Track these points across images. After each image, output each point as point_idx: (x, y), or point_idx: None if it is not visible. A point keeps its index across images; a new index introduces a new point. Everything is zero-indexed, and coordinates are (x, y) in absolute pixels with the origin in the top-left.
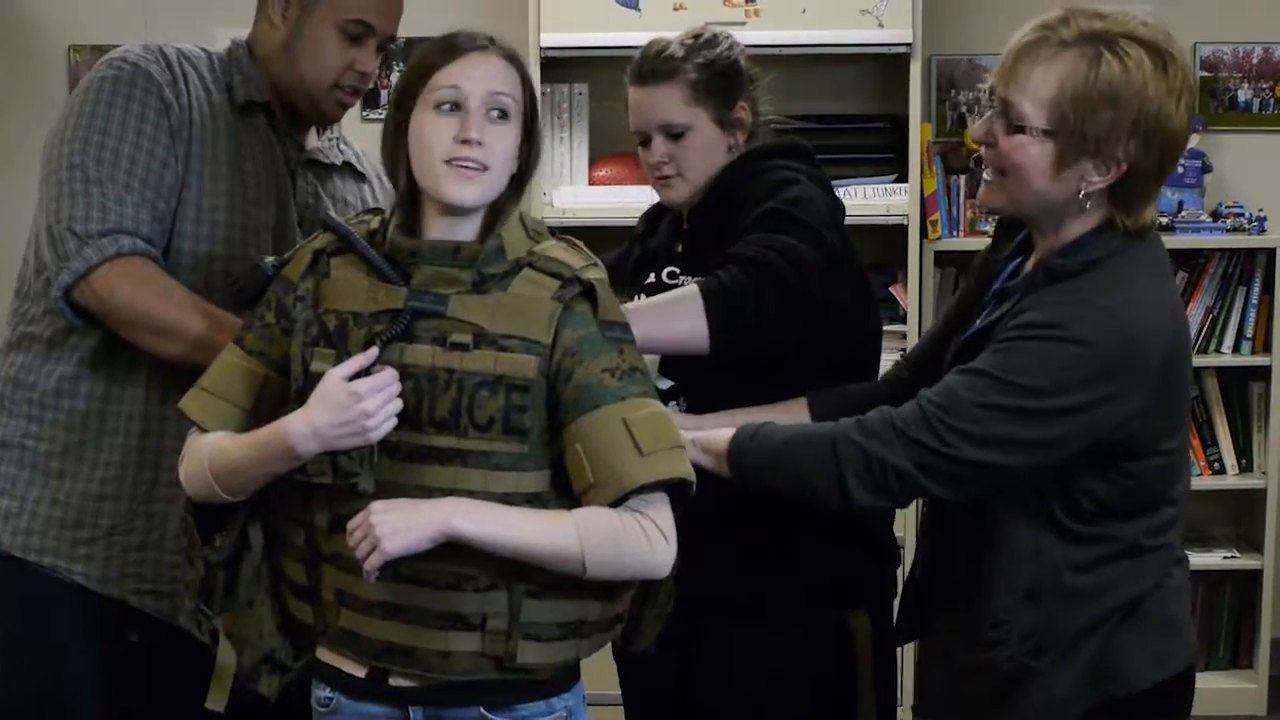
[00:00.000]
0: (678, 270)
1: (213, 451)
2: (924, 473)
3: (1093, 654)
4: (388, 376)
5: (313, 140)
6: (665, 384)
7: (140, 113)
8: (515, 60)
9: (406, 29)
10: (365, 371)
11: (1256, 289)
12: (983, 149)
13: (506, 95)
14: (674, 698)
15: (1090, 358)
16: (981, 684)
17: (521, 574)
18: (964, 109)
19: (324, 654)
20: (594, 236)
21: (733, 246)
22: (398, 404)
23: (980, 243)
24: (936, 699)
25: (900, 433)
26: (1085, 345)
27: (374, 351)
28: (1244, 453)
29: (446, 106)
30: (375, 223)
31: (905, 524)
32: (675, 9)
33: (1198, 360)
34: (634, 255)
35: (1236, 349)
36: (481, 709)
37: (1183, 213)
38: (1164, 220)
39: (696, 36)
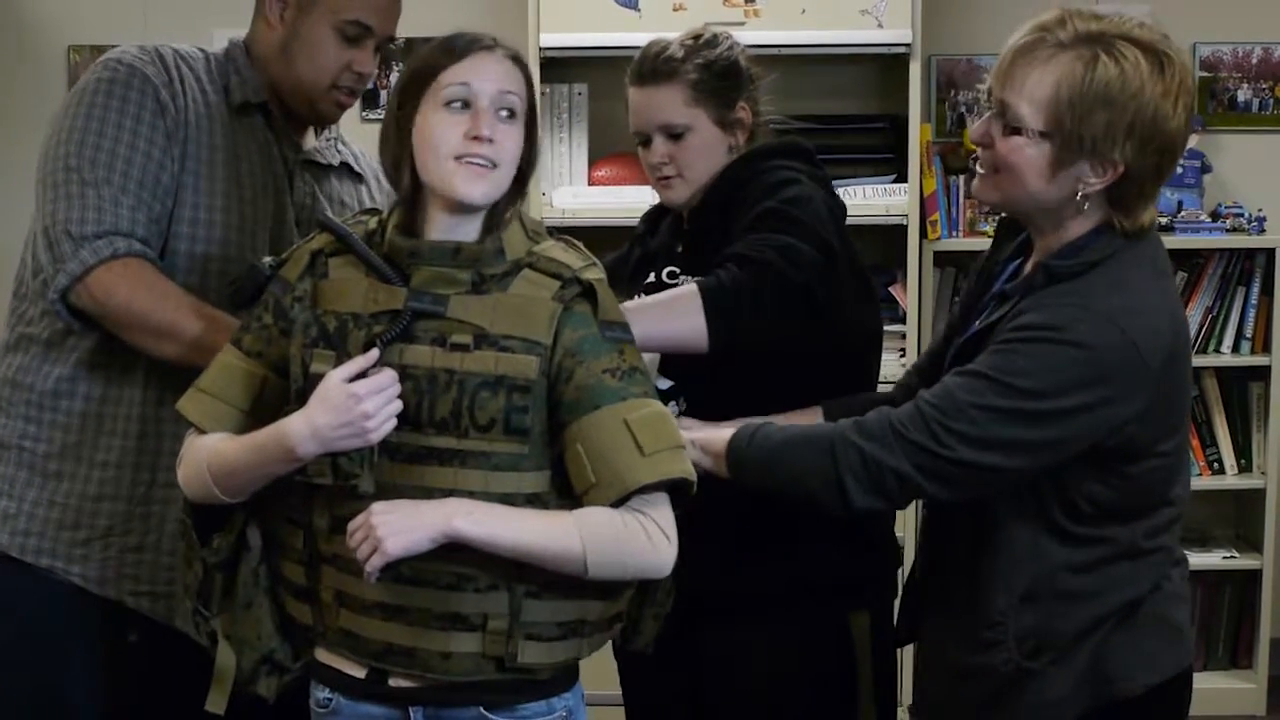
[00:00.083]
0: (678, 270)
1: (211, 453)
2: (922, 474)
3: (1089, 656)
4: (387, 378)
5: (310, 140)
6: (665, 384)
7: (136, 114)
8: (520, 61)
9: (406, 29)
10: (364, 373)
11: (1256, 289)
12: (980, 150)
13: (514, 94)
14: (676, 698)
15: (1088, 360)
16: (978, 685)
17: (522, 574)
18: (964, 109)
19: (323, 655)
20: (593, 237)
21: (732, 246)
22: (398, 405)
23: (980, 243)
24: (933, 700)
25: (898, 434)
26: (1083, 347)
27: (375, 353)
28: (1243, 453)
29: (457, 104)
30: (373, 223)
31: (905, 524)
32: (675, 9)
33: (1197, 360)
34: (634, 256)
35: (1236, 349)
36: (482, 709)
37: (1182, 213)
38: (1163, 220)
39: (697, 37)
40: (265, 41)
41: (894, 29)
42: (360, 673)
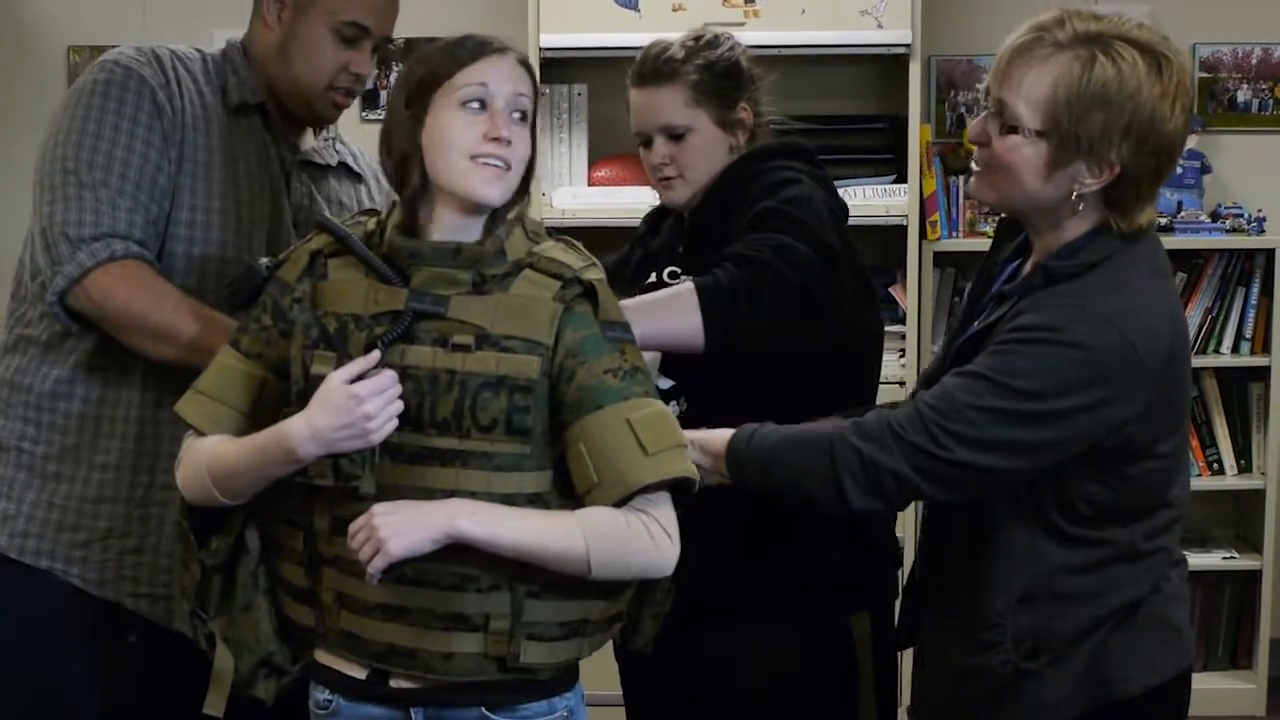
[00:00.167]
0: (679, 270)
1: (210, 455)
2: (920, 476)
3: (1087, 658)
4: (388, 379)
5: (308, 141)
6: (666, 384)
7: (133, 116)
8: (528, 65)
9: (406, 29)
10: (364, 374)
11: (1255, 290)
12: (976, 148)
13: (526, 97)
14: (675, 698)
15: (1086, 361)
16: (976, 687)
17: (524, 574)
18: (963, 110)
19: (323, 656)
20: (593, 237)
21: (731, 245)
22: (399, 406)
23: (980, 244)
24: (931, 701)
25: (897, 436)
26: (1082, 348)
27: (376, 355)
28: (1243, 453)
29: (474, 105)
30: (371, 224)
31: (906, 526)
32: (674, 10)
33: (1197, 361)
34: (635, 257)
35: (1235, 350)
36: (483, 709)
37: (1182, 213)
38: (1163, 221)
39: (698, 38)
40: (263, 42)
41: (894, 29)
42: (361, 674)
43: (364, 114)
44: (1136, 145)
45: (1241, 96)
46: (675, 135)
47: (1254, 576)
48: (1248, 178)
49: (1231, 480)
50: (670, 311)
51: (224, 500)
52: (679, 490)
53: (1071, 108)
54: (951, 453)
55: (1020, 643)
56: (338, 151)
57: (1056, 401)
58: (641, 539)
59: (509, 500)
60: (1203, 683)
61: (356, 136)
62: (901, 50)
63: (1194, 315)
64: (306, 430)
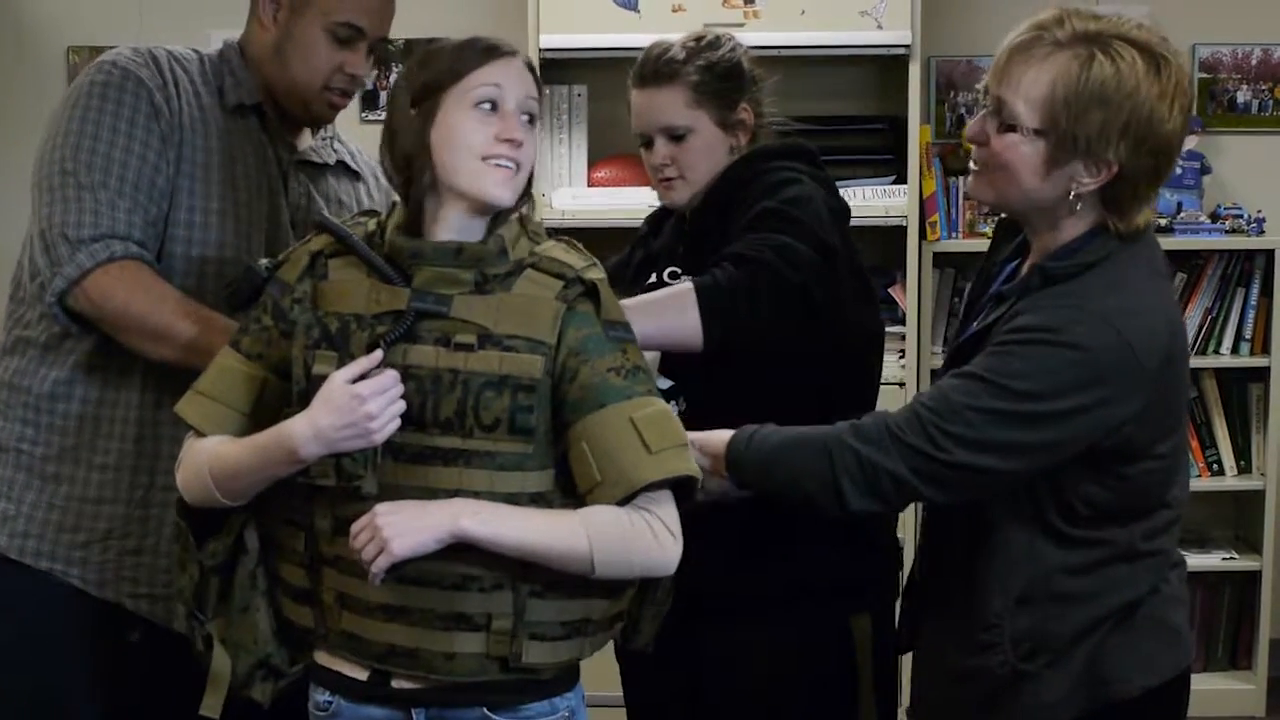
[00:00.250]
0: (679, 271)
1: (212, 456)
2: (918, 477)
3: (1086, 659)
4: (390, 378)
5: (306, 140)
6: (665, 383)
7: (130, 117)
8: (534, 68)
9: (406, 30)
10: (366, 375)
11: (1255, 290)
12: (975, 148)
13: (535, 100)
14: (676, 698)
15: (1084, 361)
16: (974, 688)
17: (526, 574)
18: (963, 110)
19: (323, 658)
20: (593, 238)
21: (731, 245)
22: (401, 405)
23: (979, 244)
24: (930, 702)
25: (895, 437)
26: (1079, 349)
27: (378, 355)
28: (1243, 454)
29: (486, 106)
30: (372, 225)
31: (906, 527)
32: (674, 10)
33: (1196, 362)
34: (636, 258)
35: (1235, 350)
36: (485, 710)
37: (1181, 214)
38: (1163, 221)
39: (699, 39)
40: (259, 43)
41: (893, 30)
42: (362, 675)
43: (364, 114)
44: (1134, 145)
45: (1241, 97)
46: (676, 136)
47: (1254, 577)
48: (1247, 178)
49: (1231, 481)
50: (669, 311)
51: (225, 501)
52: (681, 489)
53: (1070, 106)
54: (949, 454)
55: (1018, 644)
56: (335, 150)
57: (1054, 402)
58: (645, 538)
59: (512, 500)
60: (1202, 683)
61: (356, 137)
62: (901, 51)
63: (1194, 316)
64: (309, 430)
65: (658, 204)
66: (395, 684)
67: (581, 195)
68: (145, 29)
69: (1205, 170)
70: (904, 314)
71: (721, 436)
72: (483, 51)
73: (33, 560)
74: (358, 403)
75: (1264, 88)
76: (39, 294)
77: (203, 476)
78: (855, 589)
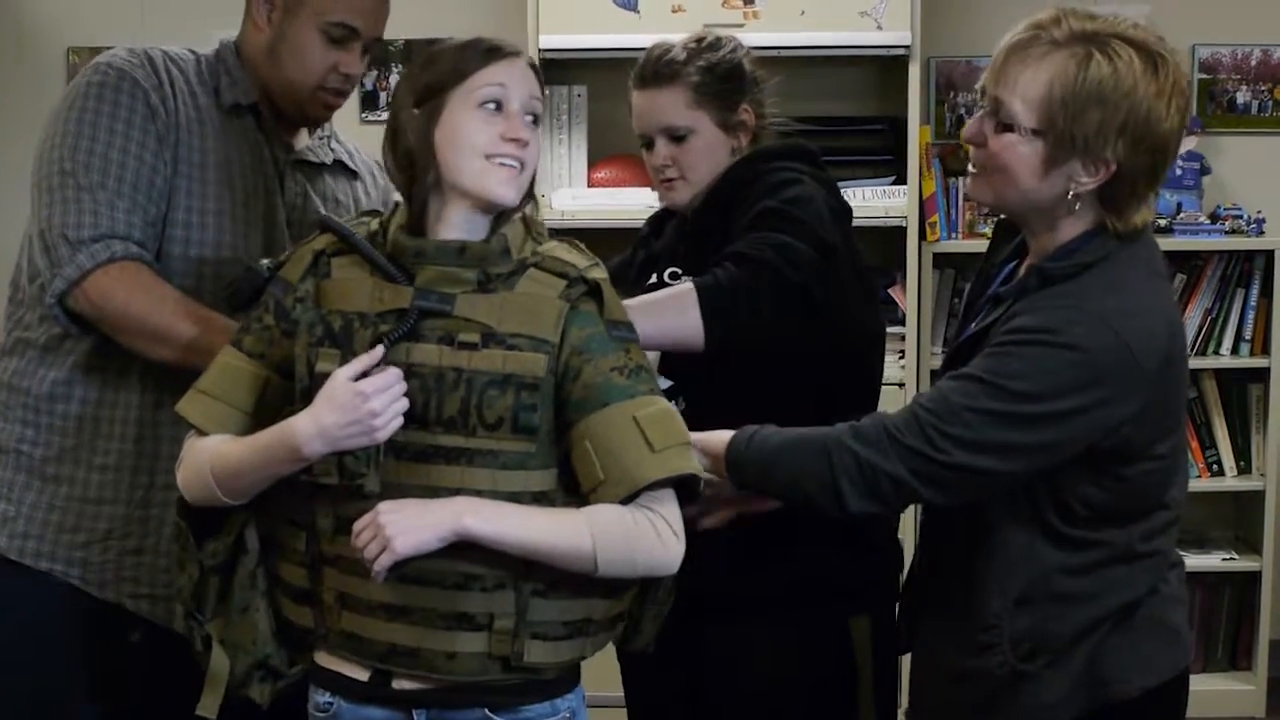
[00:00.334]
0: (680, 271)
1: (213, 455)
2: (917, 479)
3: (1085, 659)
4: (393, 376)
5: (302, 140)
6: (665, 383)
7: (127, 118)
8: (537, 69)
9: (407, 30)
10: (369, 372)
11: (1255, 291)
12: (972, 149)
13: (538, 100)
14: (677, 699)
15: (1082, 362)
16: (973, 688)
17: (529, 573)
18: (963, 111)
19: (323, 658)
20: (593, 238)
21: (732, 245)
22: (404, 403)
23: (979, 245)
24: (929, 703)
25: (894, 439)
26: (1078, 350)
27: (379, 350)
28: (1242, 455)
29: (491, 105)
30: (374, 224)
31: (906, 528)
32: (674, 11)
33: (1196, 362)
34: (638, 258)
35: (1235, 351)
36: (486, 711)
37: (1181, 215)
38: (1163, 222)
39: (700, 40)
40: (253, 43)
41: (893, 30)
42: (363, 675)
43: (363, 115)
44: (1132, 144)
45: (1241, 98)
46: (677, 137)
47: (1253, 578)
48: (1247, 179)
49: (1231, 481)
50: (670, 311)
51: (226, 500)
52: (683, 488)
53: (1067, 106)
54: (948, 455)
55: (1018, 644)
56: (333, 150)
57: (1053, 403)
58: (648, 536)
59: (514, 498)
60: (1202, 684)
61: (356, 138)
62: (901, 51)
63: (1193, 317)
64: (312, 428)
65: (658, 205)
66: (396, 684)
67: (581, 195)
68: (146, 29)
69: (1205, 171)
70: (904, 315)
71: (722, 437)
72: (487, 52)
73: (33, 561)
74: (361, 400)
75: (1263, 88)
76: (38, 295)
77: (204, 475)
78: (855, 590)
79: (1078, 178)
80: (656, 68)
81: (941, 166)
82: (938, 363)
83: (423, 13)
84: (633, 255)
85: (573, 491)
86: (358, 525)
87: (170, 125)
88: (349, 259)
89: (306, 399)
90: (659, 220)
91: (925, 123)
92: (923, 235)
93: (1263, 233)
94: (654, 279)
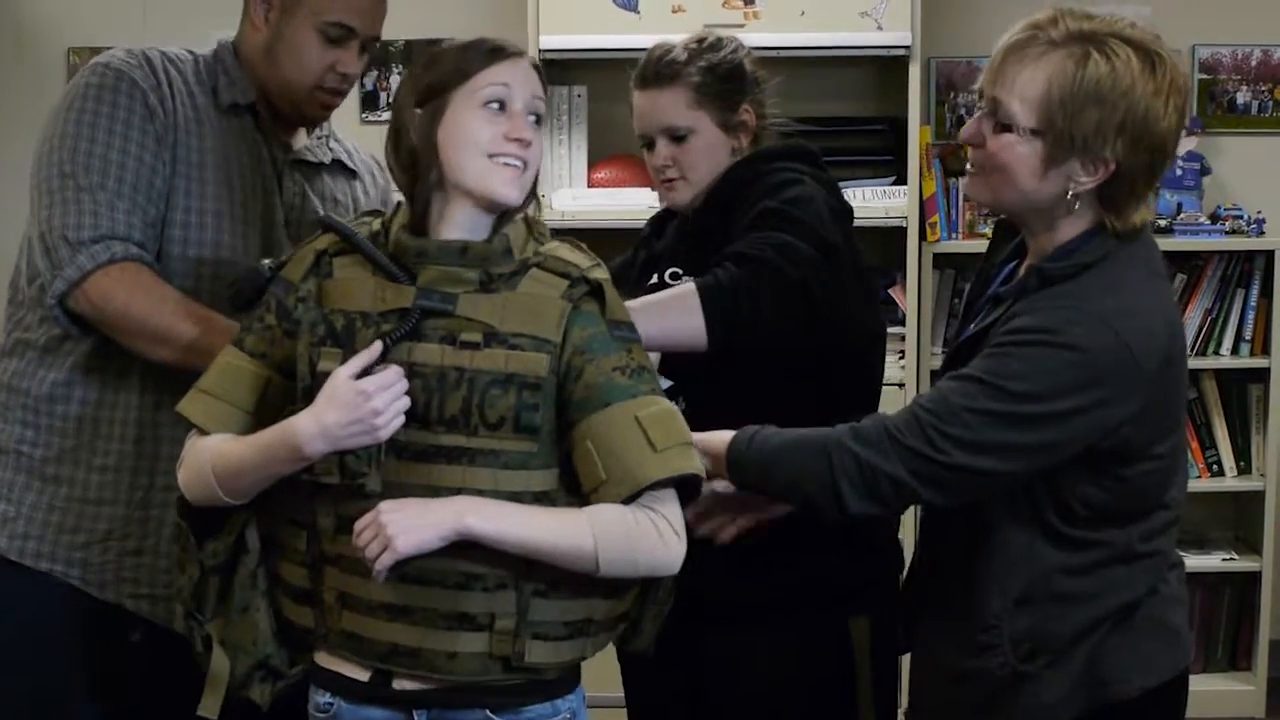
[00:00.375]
0: (680, 271)
1: (215, 455)
2: (917, 480)
3: (1085, 659)
4: (394, 374)
5: (301, 140)
6: (665, 383)
7: (126, 119)
8: (540, 70)
9: (407, 30)
10: (370, 371)
11: (1255, 291)
12: (971, 150)
13: (541, 100)
14: (677, 699)
15: (1082, 362)
16: (973, 689)
17: (530, 573)
18: (963, 111)
19: (323, 659)
20: (593, 239)
21: (732, 245)
22: (406, 401)
23: (979, 245)
24: (928, 704)
25: (894, 440)
26: (1077, 350)
27: (377, 346)
28: (1242, 455)
29: (495, 105)
30: (376, 224)
31: (906, 529)
32: (674, 11)
33: (1196, 363)
34: (640, 259)
35: (1235, 351)
36: (487, 711)
37: (1181, 215)
38: (1163, 222)
39: (700, 40)
40: (251, 43)
41: (893, 31)
42: (364, 675)
43: (363, 115)
44: (1131, 142)
45: (1241, 98)
46: (677, 137)
47: (1253, 578)
48: (1247, 179)
49: (1231, 482)
50: (672, 312)
51: (227, 500)
52: (684, 488)
53: (1065, 105)
54: (948, 456)
55: (1018, 644)
56: (331, 149)
57: (1052, 403)
58: (650, 536)
59: (516, 498)
60: (1202, 684)
61: (355, 138)
62: (901, 52)
63: (1193, 317)
64: (314, 427)
65: (658, 205)
66: (397, 685)
67: (581, 196)
68: (148, 29)
69: (1205, 171)
70: (904, 315)
71: (722, 437)
72: (491, 52)
73: (33, 561)
74: (363, 399)
75: (1264, 89)
76: (38, 297)
77: (205, 475)
78: (855, 591)
79: (1076, 177)
80: (658, 68)
81: (942, 167)
82: (938, 363)
83: (423, 13)
84: (634, 256)
85: (574, 492)
86: (359, 524)
87: (169, 126)
88: (351, 259)
89: (308, 398)
90: (660, 221)
91: (925, 123)
92: (923, 235)
93: (1263, 233)
94: (655, 279)
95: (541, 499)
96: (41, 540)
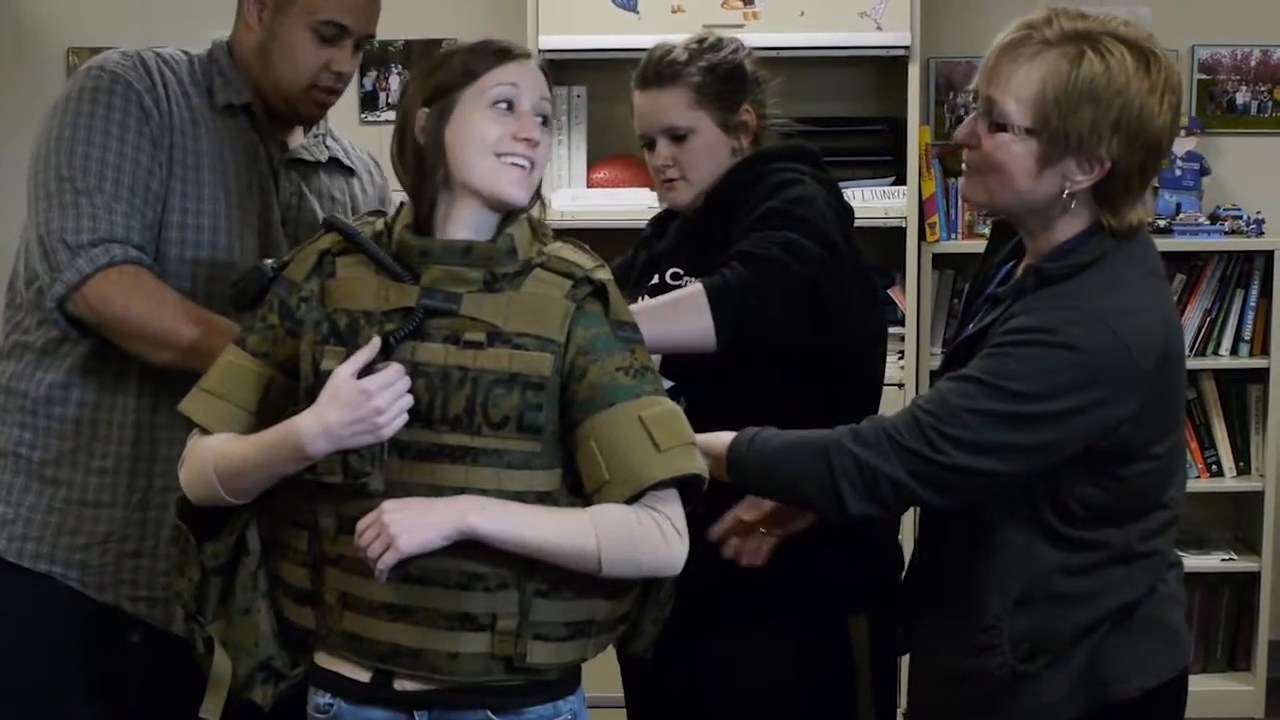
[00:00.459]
0: (681, 272)
1: (217, 454)
2: (917, 481)
3: (1085, 659)
4: (395, 373)
5: (297, 139)
6: (666, 384)
7: (122, 121)
8: (547, 71)
9: (407, 30)
10: (372, 370)
11: (1254, 291)
12: (966, 150)
13: (548, 102)
14: (677, 699)
15: (1080, 362)
16: (972, 689)
17: (532, 573)
18: (962, 111)
19: (324, 659)
20: (593, 239)
21: (736, 244)
22: (408, 400)
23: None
24: (927, 704)
25: (894, 441)
26: (1076, 349)
27: (376, 342)
28: (1242, 455)
29: (503, 105)
30: (379, 224)
31: (906, 529)
32: (674, 11)
33: (1196, 363)
34: (640, 260)
35: (1234, 351)
36: (488, 712)
37: (1181, 215)
38: (1162, 223)
39: (701, 40)
40: (245, 43)
41: (893, 31)
42: (364, 676)
43: (363, 115)
44: (1126, 141)
45: (1240, 98)
46: (677, 137)
47: (1253, 578)
48: (1246, 180)
49: (1230, 482)
50: (680, 314)
51: (229, 499)
52: (687, 488)
53: (1060, 104)
54: (948, 457)
55: (1017, 645)
56: (328, 148)
57: (1051, 403)
58: (653, 536)
59: (519, 498)
60: (1201, 684)
61: (354, 138)
62: (900, 52)
63: (1193, 317)
64: (316, 426)
65: (657, 205)
66: (398, 685)
67: (581, 196)
68: (148, 30)
69: (1204, 171)
70: (903, 315)
71: (723, 439)
72: (499, 52)
73: (32, 563)
74: (365, 398)
75: (1263, 89)
76: (36, 299)
77: (207, 474)
78: (853, 591)
79: (1072, 176)
80: (658, 68)
81: (941, 167)
82: (937, 363)
83: (423, 13)
84: (634, 256)
85: (577, 492)
86: (361, 524)
87: (164, 127)
88: (354, 258)
89: (311, 398)
90: (662, 221)
91: (925, 123)
92: (922, 236)
93: (1262, 233)
94: (655, 280)
95: (544, 499)
96: (40, 542)
